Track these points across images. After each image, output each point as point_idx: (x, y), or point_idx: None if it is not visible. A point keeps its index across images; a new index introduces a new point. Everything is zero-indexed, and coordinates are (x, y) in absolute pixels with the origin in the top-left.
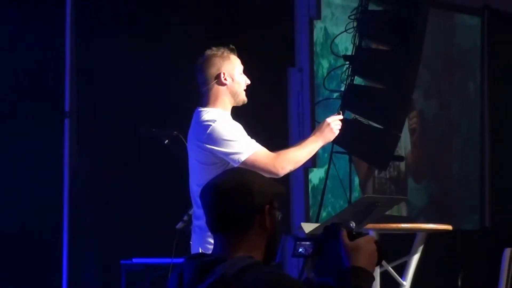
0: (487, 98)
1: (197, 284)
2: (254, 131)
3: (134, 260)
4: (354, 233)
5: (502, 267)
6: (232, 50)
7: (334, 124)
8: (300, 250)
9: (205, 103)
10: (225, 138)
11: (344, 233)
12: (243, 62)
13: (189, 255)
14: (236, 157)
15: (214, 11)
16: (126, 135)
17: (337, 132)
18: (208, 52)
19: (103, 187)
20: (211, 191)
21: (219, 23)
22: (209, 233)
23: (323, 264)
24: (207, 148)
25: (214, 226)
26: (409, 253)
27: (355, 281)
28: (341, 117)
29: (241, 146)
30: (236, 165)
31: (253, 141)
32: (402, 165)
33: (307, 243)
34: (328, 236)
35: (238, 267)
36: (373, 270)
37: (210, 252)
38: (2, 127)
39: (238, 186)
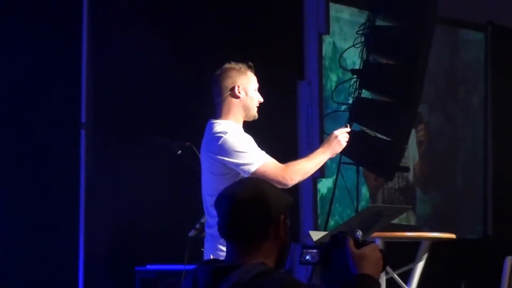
0: (490, 112)
1: None
2: (265, 142)
3: (148, 267)
4: (360, 241)
5: (503, 275)
6: (250, 67)
7: (341, 136)
8: (307, 257)
9: (218, 115)
10: (236, 149)
11: (351, 242)
12: (258, 78)
13: (202, 261)
14: (246, 168)
15: (228, 27)
16: (140, 145)
17: (344, 144)
18: (227, 65)
19: (118, 195)
20: (228, 200)
21: (231, 38)
22: (221, 241)
23: (330, 272)
24: (219, 159)
25: (229, 234)
26: (414, 260)
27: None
28: (348, 129)
29: (252, 157)
30: (246, 176)
31: (263, 152)
32: (411, 175)
33: (314, 251)
34: (335, 244)
35: (252, 274)
36: (379, 277)
37: (222, 259)
38: (20, 137)
39: (256, 197)
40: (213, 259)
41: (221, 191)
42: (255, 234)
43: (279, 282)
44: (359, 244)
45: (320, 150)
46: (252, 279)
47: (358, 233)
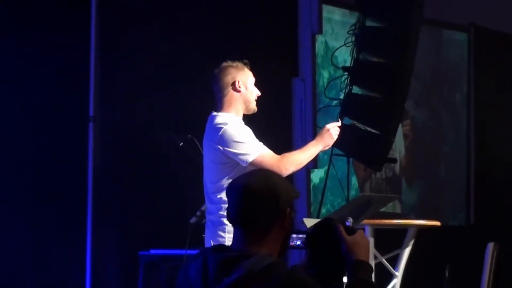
0: (472, 107)
1: (223, 277)
2: (261, 135)
3: (152, 251)
4: (350, 228)
5: (485, 261)
6: (245, 64)
7: (333, 130)
8: (298, 242)
9: (219, 108)
10: (235, 139)
11: (342, 229)
12: (254, 75)
13: (211, 248)
14: (244, 157)
15: (226, 26)
16: (145, 137)
17: (335, 137)
18: (224, 63)
19: (124, 185)
20: (241, 189)
21: (229, 37)
22: (221, 227)
23: (317, 256)
24: (219, 148)
25: (238, 222)
26: (401, 246)
27: (362, 274)
28: (339, 123)
29: (249, 147)
30: (244, 165)
31: (261, 143)
32: (397, 167)
33: (303, 236)
34: (322, 230)
35: (263, 265)
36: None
37: (226, 244)
38: (29, 130)
39: (267, 188)
40: (221, 246)
41: (234, 179)
42: (262, 223)
43: (288, 277)
44: (350, 230)
45: (313, 143)
46: (263, 270)
47: (349, 220)
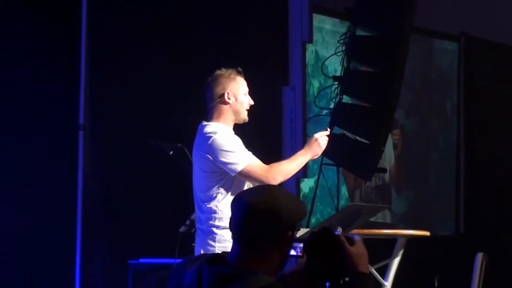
0: (462, 116)
1: None
2: (251, 143)
3: (141, 260)
4: (350, 238)
5: (474, 270)
6: (239, 73)
7: (321, 139)
8: (293, 252)
9: (210, 118)
10: (223, 148)
11: (344, 239)
12: (247, 84)
13: (208, 259)
14: (233, 167)
15: (218, 35)
16: (135, 146)
17: (324, 146)
18: (217, 72)
19: (114, 194)
20: (244, 205)
21: (220, 46)
22: (211, 236)
23: (314, 265)
24: (208, 157)
25: (237, 237)
26: (390, 256)
27: (365, 287)
28: (328, 132)
29: (238, 157)
30: (233, 175)
31: (250, 153)
32: (387, 176)
33: (300, 245)
34: (319, 238)
35: (259, 285)
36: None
37: (210, 253)
38: (19, 138)
39: (269, 209)
40: (216, 257)
41: (241, 192)
42: (261, 243)
43: None
44: (352, 241)
45: (301, 152)
46: None
47: (338, 230)
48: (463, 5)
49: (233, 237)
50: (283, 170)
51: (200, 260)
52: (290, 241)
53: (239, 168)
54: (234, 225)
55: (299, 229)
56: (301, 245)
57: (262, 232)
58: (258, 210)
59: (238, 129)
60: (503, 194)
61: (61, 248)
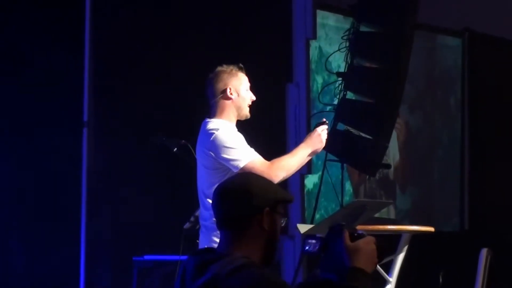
0: (466, 112)
1: (197, 279)
2: (256, 139)
3: (146, 257)
4: (356, 234)
5: (479, 266)
6: (240, 68)
7: (323, 133)
8: (308, 247)
9: (212, 115)
10: (226, 145)
11: (346, 235)
12: (249, 80)
13: (193, 251)
14: (235, 163)
15: (222, 31)
16: (139, 142)
17: (324, 141)
18: (219, 68)
19: (118, 190)
20: (217, 191)
21: (225, 42)
22: (215, 233)
23: (327, 261)
24: (211, 154)
25: (218, 224)
26: (395, 252)
27: (351, 281)
28: (326, 126)
29: (240, 154)
30: (235, 171)
31: (252, 150)
32: (391, 172)
33: (314, 241)
34: (333, 235)
35: (231, 267)
36: (372, 269)
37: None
38: (23, 136)
39: (239, 188)
40: (205, 248)
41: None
42: (237, 222)
43: (252, 277)
44: (355, 237)
45: (302, 146)
46: (230, 272)
47: (349, 227)
48: (466, 0)
49: (217, 228)
50: (285, 166)
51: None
52: (271, 218)
53: (241, 164)
54: (214, 215)
55: (286, 217)
56: (314, 241)
57: (234, 209)
58: (229, 190)
59: (243, 126)
60: (508, 190)
61: (66, 245)
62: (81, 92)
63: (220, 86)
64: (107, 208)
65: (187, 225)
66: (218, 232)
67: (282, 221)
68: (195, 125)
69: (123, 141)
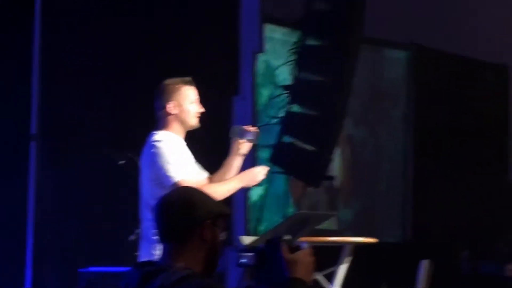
0: (411, 125)
1: None
2: (202, 152)
3: (91, 269)
4: (294, 246)
5: (418, 277)
6: (185, 82)
7: (260, 173)
8: (244, 260)
9: (159, 127)
10: (163, 158)
11: (285, 247)
12: (198, 92)
13: (136, 263)
14: (168, 178)
15: (169, 44)
16: (86, 155)
17: (259, 180)
18: (164, 82)
19: (65, 203)
20: (159, 204)
21: (172, 55)
22: (155, 245)
23: (265, 274)
24: (149, 165)
25: (160, 236)
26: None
27: None
28: (268, 169)
29: (174, 170)
30: (167, 185)
31: (190, 168)
32: (335, 184)
33: (250, 254)
34: (270, 248)
35: (174, 279)
36: (310, 279)
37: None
38: None
39: (180, 200)
40: (147, 261)
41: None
42: (179, 235)
43: (196, 287)
44: (293, 248)
45: (236, 178)
46: (173, 283)
47: (286, 238)
48: (412, 14)
49: (160, 240)
50: (215, 192)
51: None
52: (211, 230)
53: (172, 180)
54: (156, 224)
55: (227, 229)
56: (251, 253)
57: (175, 221)
58: (171, 202)
59: (191, 138)
60: (451, 202)
61: (12, 258)
62: (28, 103)
63: (165, 100)
64: (53, 220)
65: (132, 237)
66: (155, 244)
67: (222, 234)
68: (143, 139)
69: (70, 154)
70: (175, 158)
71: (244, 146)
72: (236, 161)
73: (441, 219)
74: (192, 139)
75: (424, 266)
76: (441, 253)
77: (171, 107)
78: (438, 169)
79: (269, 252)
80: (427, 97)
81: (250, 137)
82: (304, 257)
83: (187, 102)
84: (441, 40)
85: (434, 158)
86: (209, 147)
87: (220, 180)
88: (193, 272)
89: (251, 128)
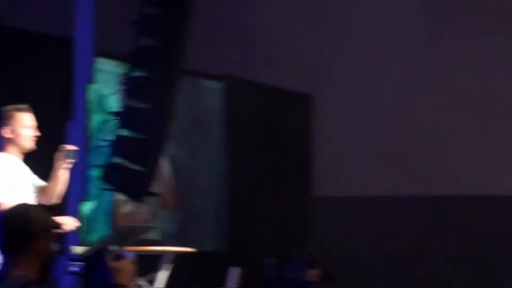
0: (228, 148)
1: None
2: (38, 172)
3: None
4: (119, 255)
5: (226, 284)
6: (20, 109)
7: (71, 223)
8: (74, 268)
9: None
10: None
11: (110, 256)
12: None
13: None
14: None
15: (6, 72)
16: None
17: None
18: (2, 109)
19: None
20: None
21: (8, 83)
22: None
23: (91, 280)
24: None
25: (1, 248)
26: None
27: None
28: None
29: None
30: None
31: (12, 193)
32: (159, 199)
33: (80, 262)
34: (96, 257)
35: (14, 286)
36: (131, 285)
37: None
38: None
39: (18, 215)
40: None
41: None
42: (15, 247)
43: None
44: (118, 257)
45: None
46: None
47: (111, 248)
48: (229, 47)
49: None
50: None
51: None
52: (45, 242)
53: None
54: None
55: (59, 241)
56: (79, 262)
57: (16, 236)
58: (11, 217)
59: (30, 160)
60: (261, 216)
61: None
62: None
63: (1, 125)
64: None
65: None
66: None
67: (55, 246)
68: None
69: None
70: (3, 179)
71: (66, 163)
72: (62, 175)
73: (252, 231)
74: (32, 161)
75: (233, 272)
76: (251, 260)
77: (6, 132)
78: (251, 187)
79: (96, 261)
80: (240, 123)
81: (71, 155)
82: (127, 265)
83: (21, 127)
84: (254, 71)
85: (247, 177)
86: (47, 167)
87: (51, 190)
88: (31, 279)
89: (71, 148)
